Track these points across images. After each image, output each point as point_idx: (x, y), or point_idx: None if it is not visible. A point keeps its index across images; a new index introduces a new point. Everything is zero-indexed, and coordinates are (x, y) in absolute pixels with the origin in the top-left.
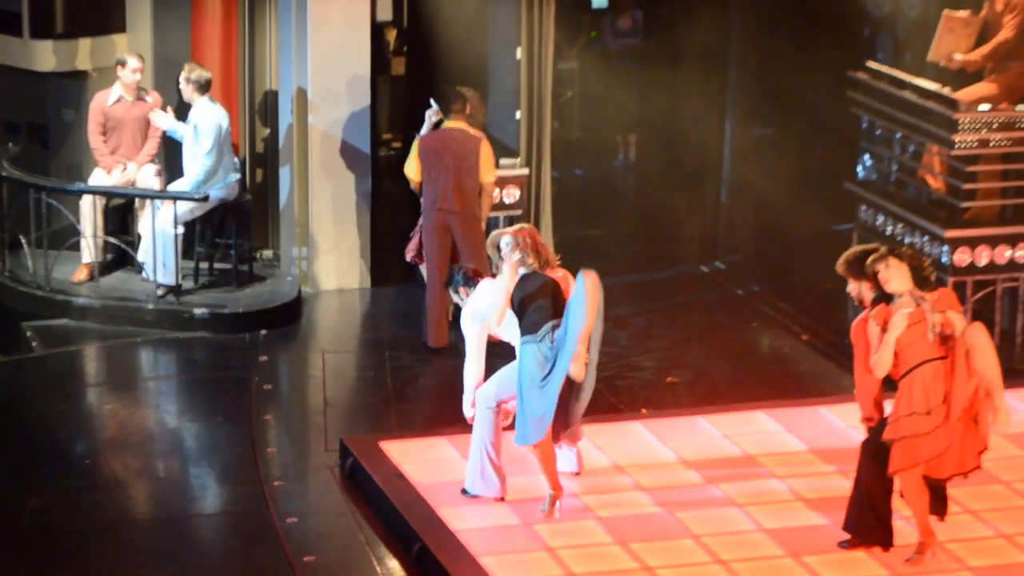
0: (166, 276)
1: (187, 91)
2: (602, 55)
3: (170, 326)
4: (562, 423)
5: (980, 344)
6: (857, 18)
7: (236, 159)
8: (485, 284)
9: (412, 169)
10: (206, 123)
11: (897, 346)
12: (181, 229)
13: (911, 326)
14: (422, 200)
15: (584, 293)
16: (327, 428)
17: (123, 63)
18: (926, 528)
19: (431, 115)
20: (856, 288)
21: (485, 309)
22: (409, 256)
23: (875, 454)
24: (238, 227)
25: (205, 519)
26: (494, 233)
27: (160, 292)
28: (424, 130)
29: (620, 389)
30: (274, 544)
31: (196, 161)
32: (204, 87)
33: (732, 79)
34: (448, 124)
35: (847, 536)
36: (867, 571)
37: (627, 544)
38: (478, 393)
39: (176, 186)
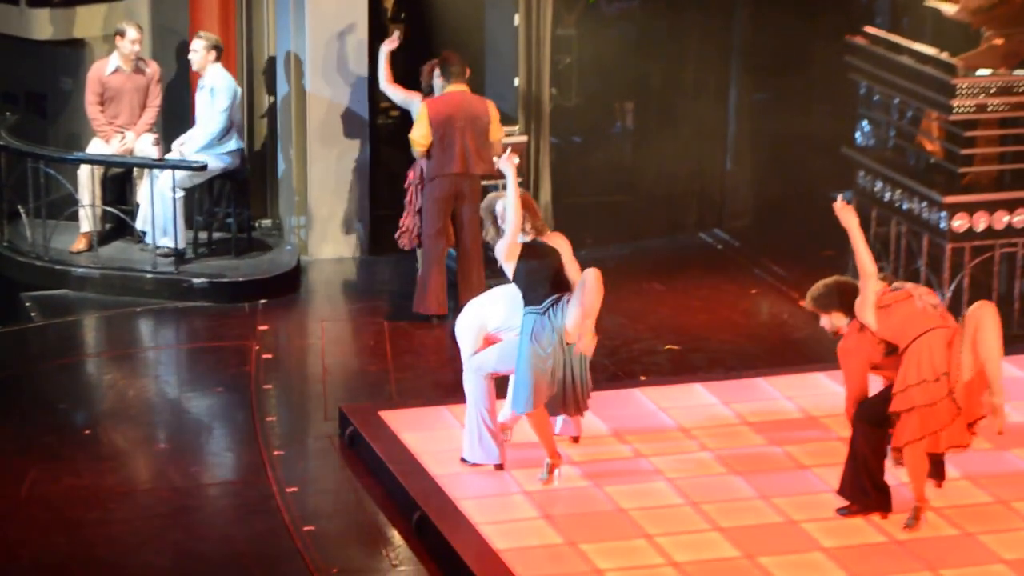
0: (167, 241)
1: (207, 59)
2: (600, 21)
3: (169, 296)
4: (560, 403)
5: (989, 325)
6: None
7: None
8: (486, 296)
9: (421, 134)
10: (223, 84)
11: (894, 325)
12: (181, 193)
13: (903, 301)
14: (427, 167)
15: (589, 289)
16: (327, 397)
17: (122, 33)
18: (921, 494)
19: (439, 78)
20: (828, 321)
21: (484, 319)
22: (409, 244)
23: (869, 418)
24: (237, 196)
25: (205, 489)
26: (489, 196)
27: (162, 252)
28: (436, 93)
29: (619, 356)
30: (274, 513)
31: (212, 119)
32: (221, 53)
33: (734, 44)
34: (452, 88)
35: (846, 503)
36: (865, 537)
37: (626, 511)
38: (474, 359)
39: (185, 143)
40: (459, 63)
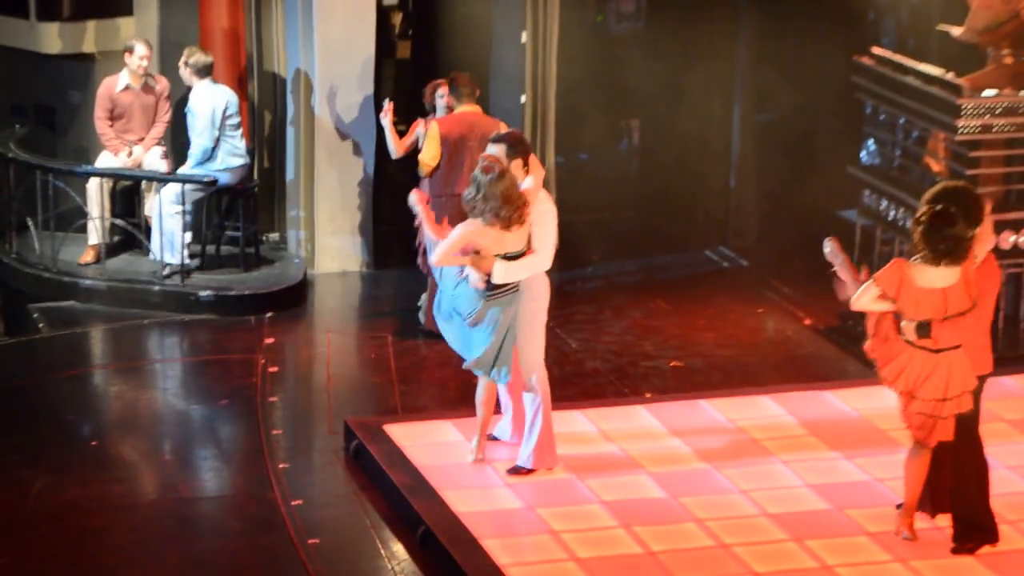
0: (172, 256)
1: (185, 75)
2: (607, 39)
3: (176, 308)
4: None
5: None
6: (862, 3)
7: (242, 143)
8: None
9: (432, 155)
10: (198, 105)
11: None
12: (188, 208)
13: None
14: (431, 185)
15: None
16: (332, 410)
17: (131, 50)
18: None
19: (443, 97)
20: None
21: None
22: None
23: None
24: (245, 211)
25: (210, 501)
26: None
27: (166, 271)
28: (439, 113)
29: (624, 373)
30: (279, 527)
31: (193, 141)
32: (202, 71)
33: (740, 63)
34: (464, 108)
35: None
36: (868, 556)
37: (631, 528)
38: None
39: (181, 168)
40: (469, 83)
